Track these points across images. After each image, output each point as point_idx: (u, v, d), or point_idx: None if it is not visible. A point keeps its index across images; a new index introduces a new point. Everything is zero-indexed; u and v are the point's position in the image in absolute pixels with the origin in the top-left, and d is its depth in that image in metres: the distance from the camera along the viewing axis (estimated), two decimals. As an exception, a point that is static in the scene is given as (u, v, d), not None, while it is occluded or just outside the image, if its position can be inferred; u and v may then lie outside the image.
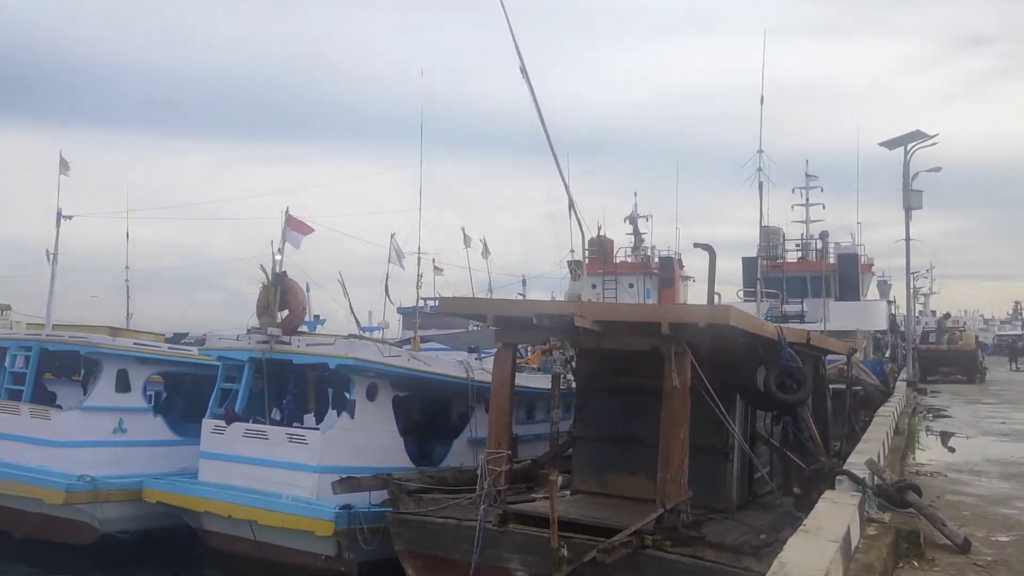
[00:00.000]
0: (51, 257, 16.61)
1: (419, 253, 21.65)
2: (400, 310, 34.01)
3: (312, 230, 15.03)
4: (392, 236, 19.27)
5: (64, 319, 17.23)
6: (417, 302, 22.85)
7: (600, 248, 22.73)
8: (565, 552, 9.90)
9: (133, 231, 24.12)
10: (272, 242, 14.57)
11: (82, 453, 14.56)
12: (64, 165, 17.24)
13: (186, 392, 18.26)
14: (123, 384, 15.35)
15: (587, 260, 25.09)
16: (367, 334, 18.51)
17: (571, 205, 15.79)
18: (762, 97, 26.16)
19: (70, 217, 16.73)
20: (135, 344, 15.68)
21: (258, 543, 13.20)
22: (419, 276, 21.78)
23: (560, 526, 9.95)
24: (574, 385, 13.51)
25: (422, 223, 21.28)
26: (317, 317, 24.40)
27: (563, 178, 15.58)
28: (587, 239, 20.69)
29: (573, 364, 12.86)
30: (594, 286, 26.36)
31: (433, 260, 26.16)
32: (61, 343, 15.53)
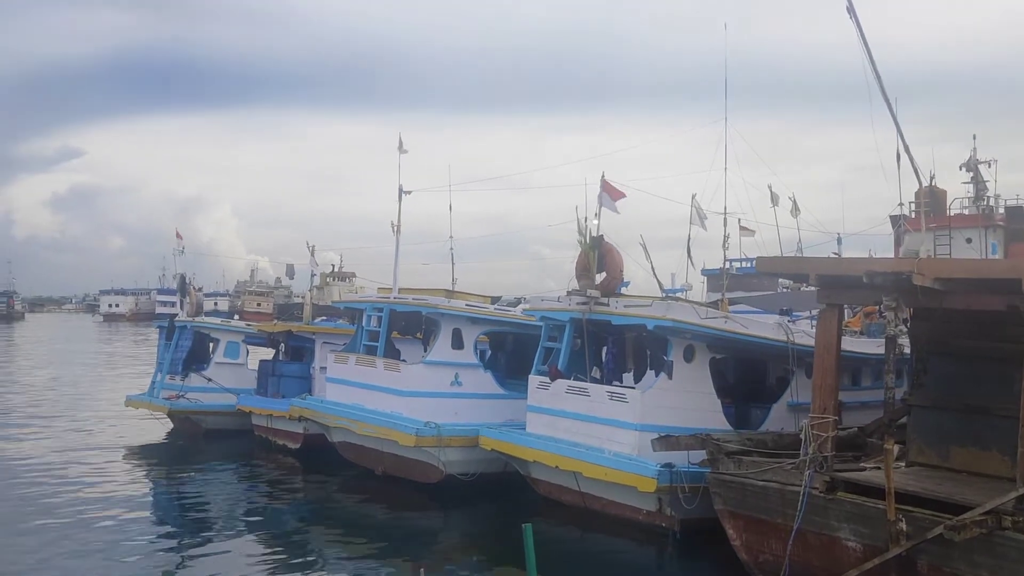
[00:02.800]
0: (395, 228, 18.61)
1: (724, 213, 21.10)
2: (704, 272, 33.46)
3: (624, 195, 15.28)
4: (694, 197, 18.95)
5: (400, 284, 19.24)
6: (724, 263, 22.37)
7: (931, 200, 20.50)
8: (904, 526, 9.26)
9: (453, 203, 26.00)
10: (576, 207, 15.05)
11: (426, 402, 16.26)
12: (402, 145, 19.15)
13: (508, 350, 19.67)
14: (458, 341, 16.86)
15: (915, 213, 22.84)
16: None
17: (906, 151, 14.37)
18: None
19: (409, 192, 18.59)
20: (467, 305, 17.15)
21: (583, 494, 13.90)
22: (725, 237, 21.28)
23: (896, 498, 9.33)
24: (906, 349, 12.49)
25: (727, 182, 20.71)
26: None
27: (896, 122, 14.22)
28: (917, 190, 18.83)
29: (907, 326, 11.87)
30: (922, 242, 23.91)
31: (739, 220, 25.42)
32: (407, 305, 17.37)
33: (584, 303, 14.22)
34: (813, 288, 11.89)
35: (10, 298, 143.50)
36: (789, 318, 18.60)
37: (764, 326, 14.80)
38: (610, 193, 15.05)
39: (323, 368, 20.23)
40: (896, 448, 10.32)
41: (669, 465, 12.44)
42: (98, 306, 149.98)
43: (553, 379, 14.60)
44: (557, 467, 13.86)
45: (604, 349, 15.11)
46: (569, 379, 14.53)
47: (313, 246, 25.28)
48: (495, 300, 19.82)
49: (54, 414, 26.38)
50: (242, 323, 26.22)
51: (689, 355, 13.74)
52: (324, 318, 26.60)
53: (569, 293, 14.69)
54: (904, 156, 14.79)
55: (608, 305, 14.10)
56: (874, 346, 16.15)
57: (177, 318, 24.26)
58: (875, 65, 14.11)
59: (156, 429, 23.45)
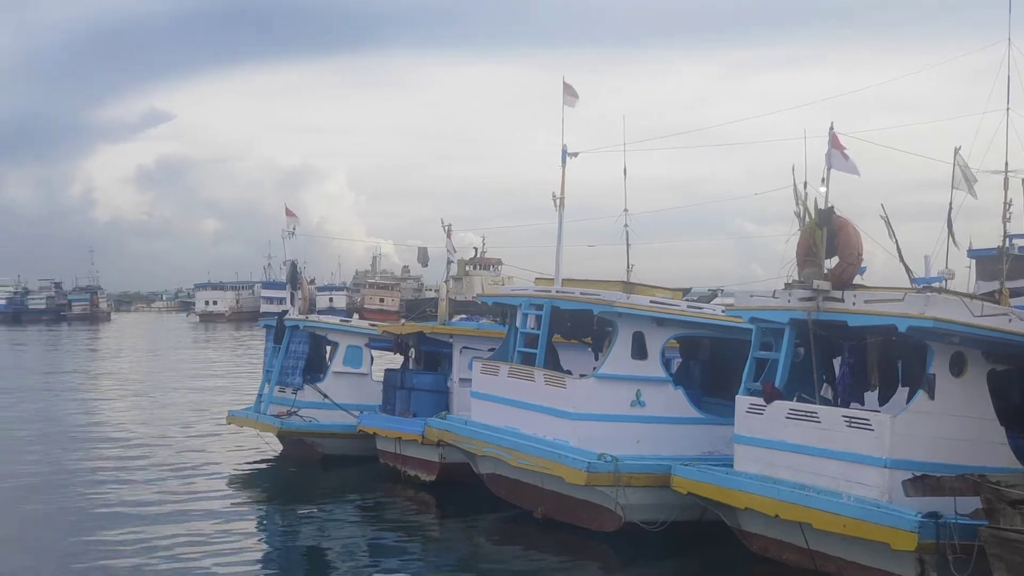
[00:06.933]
0: (558, 202, 18.61)
1: (1005, 171, 19.97)
2: (972, 253, 31.72)
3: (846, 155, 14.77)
4: (957, 151, 18.00)
5: (563, 273, 19.14)
6: (1003, 241, 21.19)
7: None
8: None
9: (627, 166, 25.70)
10: (792, 168, 14.72)
11: (600, 427, 16.22)
12: (570, 93, 18.98)
13: (705, 360, 19.34)
14: (640, 349, 16.70)
15: None
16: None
17: None
18: None
19: (575, 155, 18.51)
20: (652, 302, 16.93)
21: (811, 552, 13.59)
22: (1006, 204, 20.12)
23: None
24: None
25: (1008, 129, 19.57)
26: (855, 264, 23.98)
27: None
28: None
29: None
30: None
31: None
32: (574, 300, 17.30)
33: (810, 299, 13.85)
34: None
35: (94, 295, 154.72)
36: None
37: (1069, 327, 13.91)
38: (839, 150, 14.62)
39: (463, 380, 20.64)
40: None
41: (934, 515, 11.92)
42: (193, 303, 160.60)
43: (769, 400, 14.30)
44: (777, 516, 13.58)
45: (838, 360, 14.69)
46: (791, 400, 14.23)
47: (449, 225, 25.72)
48: (684, 293, 19.55)
49: (144, 434, 28.12)
50: (365, 323, 26.94)
51: (958, 366, 13.21)
52: (464, 316, 27.04)
53: (788, 285, 14.36)
54: None
55: (843, 301, 13.66)
56: None
57: (287, 316, 25.19)
58: None
59: (264, 451, 24.61)
